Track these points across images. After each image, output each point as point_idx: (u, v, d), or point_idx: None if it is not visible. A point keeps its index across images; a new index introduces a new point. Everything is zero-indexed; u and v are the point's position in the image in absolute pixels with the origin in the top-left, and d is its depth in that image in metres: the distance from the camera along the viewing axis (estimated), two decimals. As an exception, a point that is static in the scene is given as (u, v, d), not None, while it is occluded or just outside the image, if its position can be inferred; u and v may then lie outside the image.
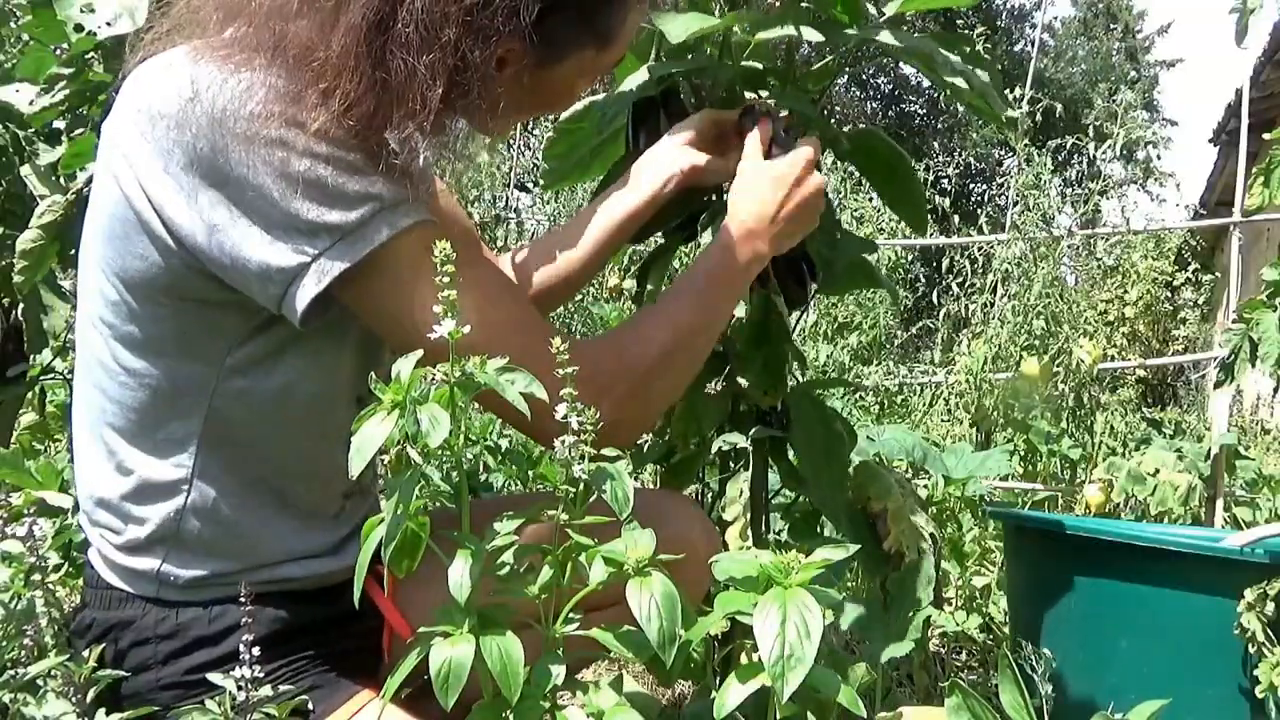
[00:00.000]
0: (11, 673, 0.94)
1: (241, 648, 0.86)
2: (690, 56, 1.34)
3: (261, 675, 0.89)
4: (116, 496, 0.99)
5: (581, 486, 0.78)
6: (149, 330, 0.95)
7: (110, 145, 0.96)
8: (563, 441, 0.76)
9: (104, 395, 0.98)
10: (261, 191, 0.88)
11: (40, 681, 0.94)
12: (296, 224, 0.89)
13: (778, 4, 1.29)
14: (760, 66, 1.35)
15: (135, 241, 0.93)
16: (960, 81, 1.19)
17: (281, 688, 0.95)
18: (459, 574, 0.74)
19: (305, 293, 0.89)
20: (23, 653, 0.97)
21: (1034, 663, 1.16)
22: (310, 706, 0.96)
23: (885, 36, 1.19)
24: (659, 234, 1.37)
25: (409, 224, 0.92)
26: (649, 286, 1.43)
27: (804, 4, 1.26)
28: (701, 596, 1.17)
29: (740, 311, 1.40)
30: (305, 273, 0.89)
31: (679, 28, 1.15)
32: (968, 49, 1.23)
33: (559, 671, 0.76)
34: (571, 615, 0.79)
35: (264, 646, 0.89)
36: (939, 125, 19.47)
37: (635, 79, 1.31)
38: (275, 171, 0.88)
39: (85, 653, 0.96)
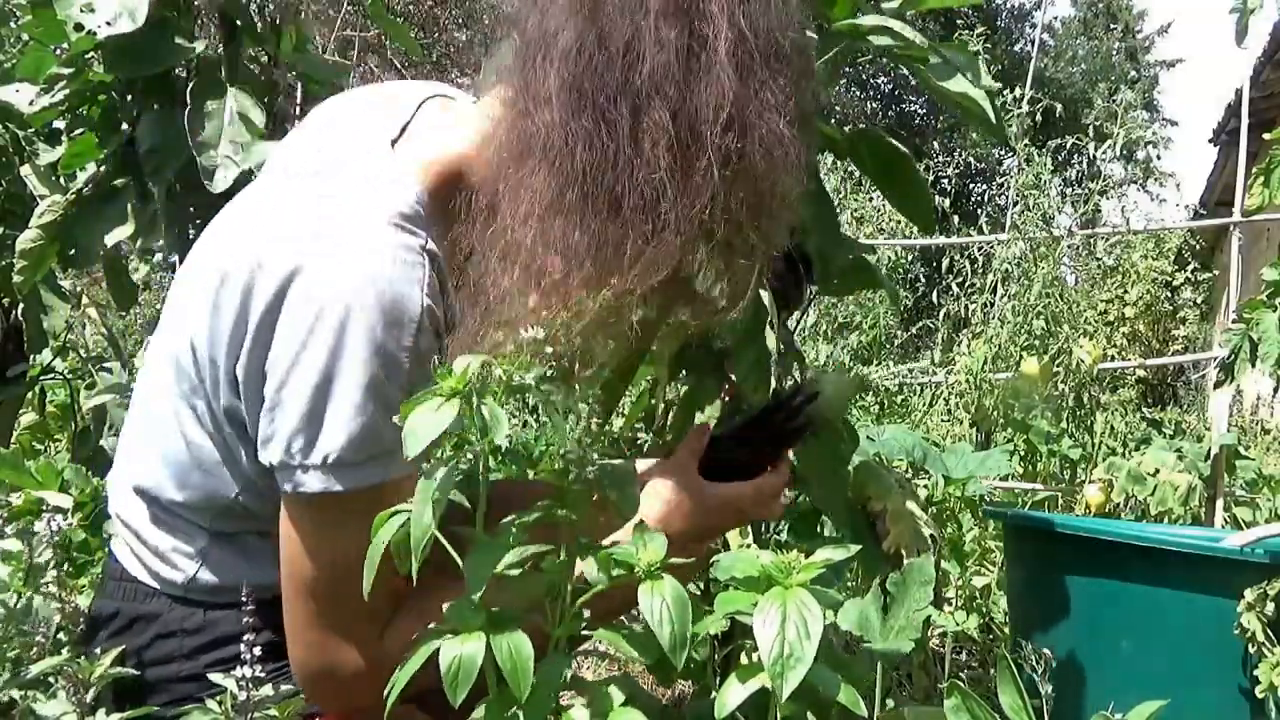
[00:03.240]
0: (15, 670, 0.94)
1: (243, 647, 0.86)
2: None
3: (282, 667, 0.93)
4: (157, 505, 0.99)
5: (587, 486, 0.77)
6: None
7: None
8: (578, 440, 0.76)
9: (175, 412, 0.97)
10: None
11: (51, 679, 0.95)
12: None
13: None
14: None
15: None
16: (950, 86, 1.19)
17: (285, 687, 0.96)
18: (472, 572, 0.74)
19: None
20: (31, 650, 0.97)
21: (1034, 663, 1.15)
22: None
23: (880, 37, 1.19)
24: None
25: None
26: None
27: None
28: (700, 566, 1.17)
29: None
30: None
31: None
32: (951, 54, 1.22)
33: (566, 670, 0.76)
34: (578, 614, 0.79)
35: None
36: (939, 125, 19.45)
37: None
38: None
39: (98, 650, 0.96)
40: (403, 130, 0.98)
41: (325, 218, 0.89)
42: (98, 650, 0.98)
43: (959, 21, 6.64)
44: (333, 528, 0.89)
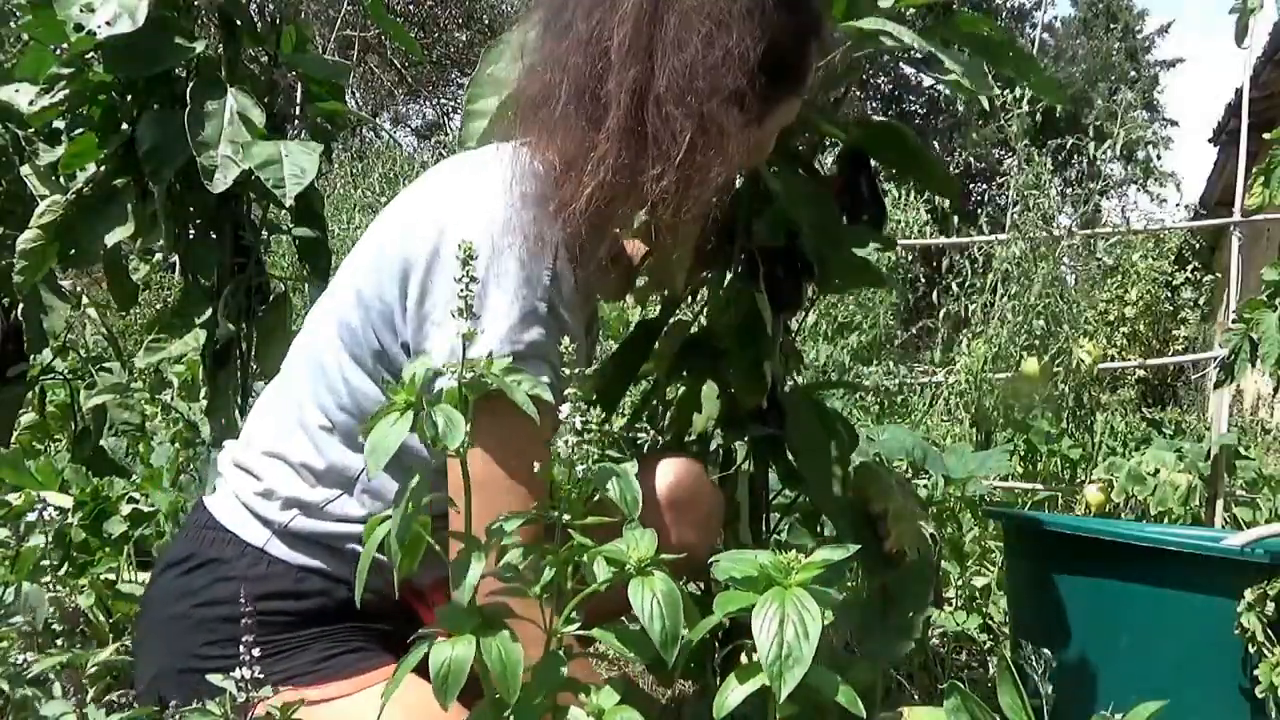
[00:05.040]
0: (13, 665, 0.94)
1: (242, 649, 0.87)
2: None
3: (328, 629, 1.03)
4: (295, 458, 1.07)
5: (582, 486, 0.78)
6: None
7: None
8: (565, 441, 0.76)
9: (333, 374, 1.07)
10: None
11: (49, 676, 0.95)
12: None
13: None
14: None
15: None
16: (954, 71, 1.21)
17: (318, 647, 1.04)
18: (462, 576, 0.74)
19: None
20: (18, 641, 0.97)
21: (1034, 663, 1.15)
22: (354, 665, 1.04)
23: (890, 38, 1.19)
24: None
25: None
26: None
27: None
28: (714, 537, 1.24)
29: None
30: None
31: None
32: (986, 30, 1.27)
33: (561, 671, 0.76)
34: (573, 616, 0.79)
35: (335, 616, 1.04)
36: (939, 125, 19.47)
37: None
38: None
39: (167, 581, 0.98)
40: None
41: (463, 184, 1.07)
42: (167, 581, 1.08)
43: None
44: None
